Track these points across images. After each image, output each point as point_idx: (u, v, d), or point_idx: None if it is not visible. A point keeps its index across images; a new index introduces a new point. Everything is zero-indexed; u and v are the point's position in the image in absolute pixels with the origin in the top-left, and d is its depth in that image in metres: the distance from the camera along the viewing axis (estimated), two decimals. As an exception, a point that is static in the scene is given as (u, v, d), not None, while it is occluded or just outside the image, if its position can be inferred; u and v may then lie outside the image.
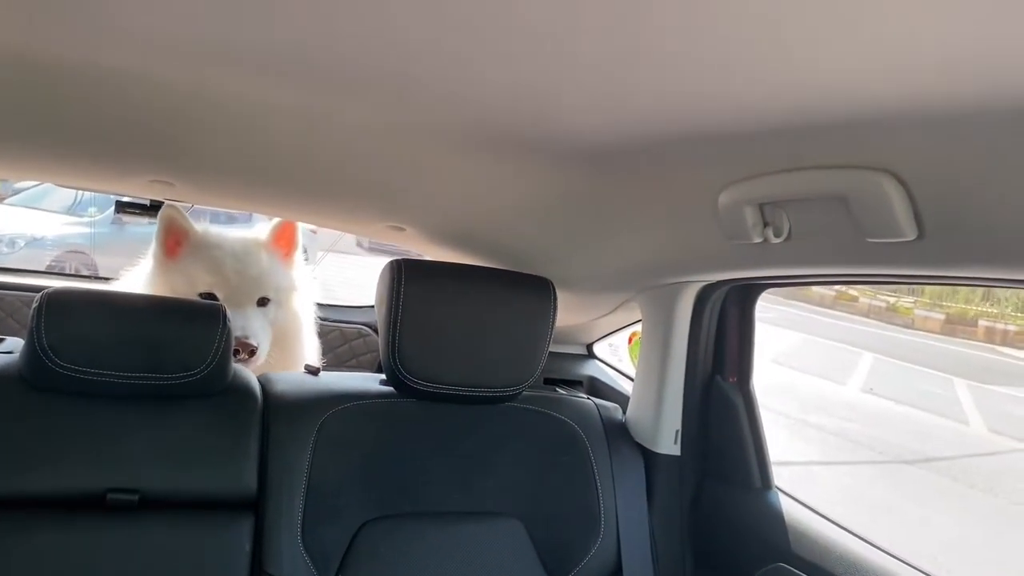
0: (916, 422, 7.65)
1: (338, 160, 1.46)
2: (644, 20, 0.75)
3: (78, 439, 1.33)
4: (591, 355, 2.16)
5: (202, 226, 1.88)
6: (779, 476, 1.64)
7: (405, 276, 1.49)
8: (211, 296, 1.80)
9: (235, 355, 1.74)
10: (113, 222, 7.68)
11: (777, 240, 1.19)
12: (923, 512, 5.37)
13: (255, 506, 1.41)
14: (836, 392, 8.47)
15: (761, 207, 1.19)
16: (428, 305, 1.51)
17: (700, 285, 1.57)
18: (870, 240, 1.05)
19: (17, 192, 9.18)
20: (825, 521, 1.51)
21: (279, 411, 1.48)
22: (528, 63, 0.90)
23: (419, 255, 2.04)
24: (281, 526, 1.40)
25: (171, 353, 1.37)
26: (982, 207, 0.94)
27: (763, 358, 9.28)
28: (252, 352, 1.75)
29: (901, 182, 0.98)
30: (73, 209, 8.87)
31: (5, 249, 8.14)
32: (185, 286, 1.81)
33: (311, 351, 2.01)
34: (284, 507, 1.41)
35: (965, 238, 0.98)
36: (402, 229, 1.77)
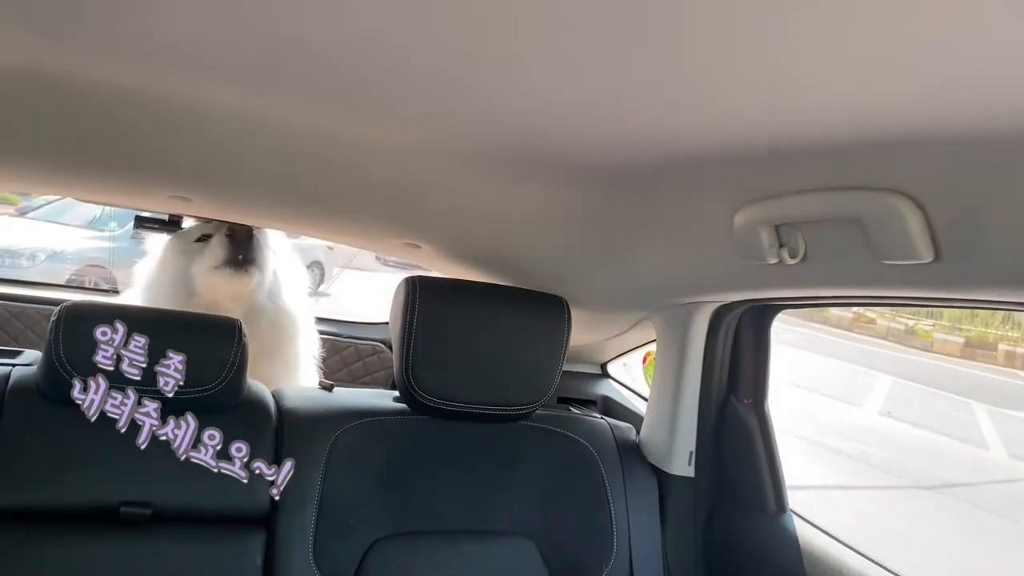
0: (935, 446, 7.56)
1: (355, 178, 1.47)
2: (659, 45, 0.76)
3: (93, 452, 1.34)
4: (605, 374, 2.16)
5: None
6: (796, 500, 1.62)
7: (419, 293, 1.49)
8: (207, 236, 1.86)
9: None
10: (132, 237, 7.73)
11: (792, 261, 1.18)
12: (941, 538, 5.30)
13: (267, 522, 1.41)
14: (854, 415, 8.39)
15: (777, 228, 1.19)
16: (442, 322, 1.51)
17: (715, 305, 1.57)
18: (886, 262, 1.05)
19: (38, 206, 9.29)
20: (841, 546, 1.49)
21: (292, 427, 1.49)
22: (544, 86, 0.91)
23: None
24: (293, 542, 1.40)
25: (186, 367, 1.37)
26: (1000, 230, 0.93)
27: (782, 380, 9.22)
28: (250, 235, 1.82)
29: (917, 204, 0.98)
30: (93, 223, 8.95)
31: (25, 263, 8.21)
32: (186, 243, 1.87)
33: (307, 351, 2.02)
34: (296, 523, 1.41)
35: (983, 261, 0.97)
36: (418, 246, 1.78)
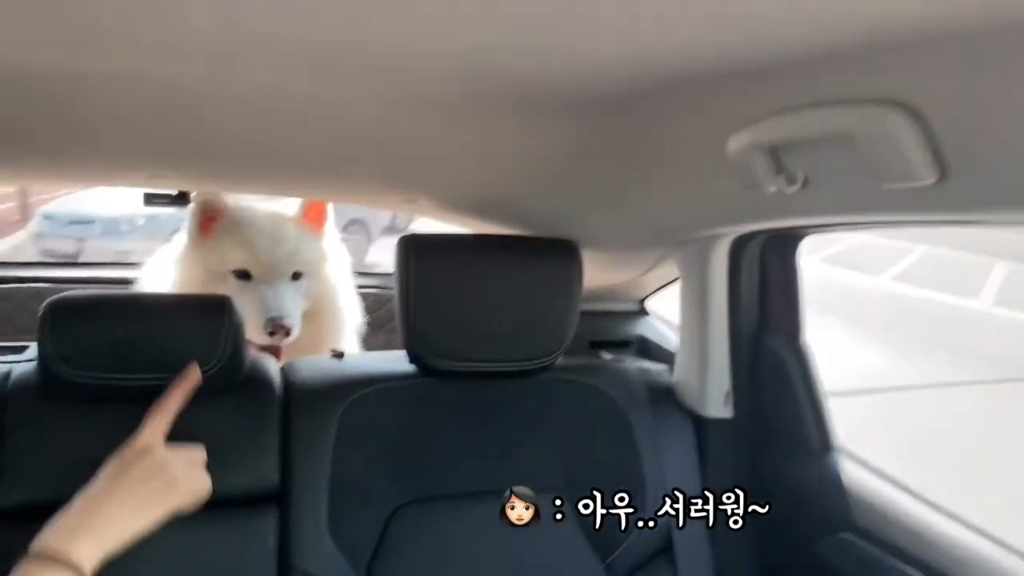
0: (1059, 335, 7.09)
1: (339, 136, 1.39)
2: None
3: (96, 445, 1.33)
4: (643, 312, 2.04)
5: (235, 201, 1.88)
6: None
7: (415, 253, 1.42)
8: (244, 273, 1.81)
9: (271, 336, 1.73)
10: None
11: (792, 189, 1.05)
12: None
13: (278, 499, 1.39)
14: (967, 307, 7.94)
15: (773, 153, 1.05)
16: (441, 280, 1.43)
17: (733, 237, 1.43)
18: (887, 186, 0.90)
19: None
20: (891, 487, 1.37)
21: (299, 400, 1.45)
22: (525, 13, 0.80)
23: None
24: (305, 518, 1.38)
25: (178, 352, 1.34)
26: (1011, 143, 0.78)
27: (884, 276, 8.78)
28: (287, 333, 1.75)
29: (916, 117, 0.83)
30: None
31: (124, 227, 8.53)
32: (218, 263, 1.82)
33: (349, 318, 2.00)
34: (308, 499, 1.39)
35: (992, 179, 0.83)
36: (415, 201, 1.70)
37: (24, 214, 10.16)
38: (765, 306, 1.49)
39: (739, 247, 1.44)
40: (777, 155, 1.06)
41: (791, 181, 1.05)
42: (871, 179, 0.92)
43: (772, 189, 1.07)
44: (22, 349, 1.47)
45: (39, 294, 2.39)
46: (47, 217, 8.57)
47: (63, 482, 1.31)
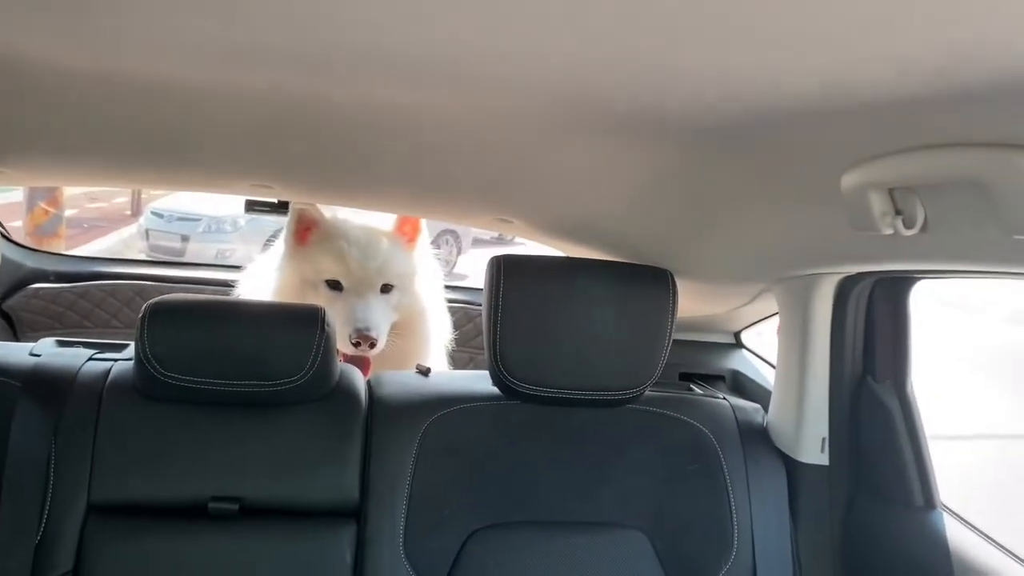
0: None
1: (439, 155, 1.39)
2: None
3: (185, 448, 1.36)
4: (739, 344, 1.97)
5: (331, 213, 1.91)
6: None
7: (505, 273, 1.40)
8: (335, 283, 1.83)
9: (356, 346, 1.74)
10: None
11: (909, 232, 0.99)
12: None
13: (357, 515, 1.39)
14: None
15: (891, 193, 1.00)
16: (532, 303, 1.41)
17: (839, 277, 1.36)
18: (1018, 237, 0.84)
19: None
20: (999, 551, 1.28)
21: (383, 415, 1.45)
22: (637, 36, 0.78)
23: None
24: (383, 536, 1.37)
25: (270, 359, 1.36)
26: None
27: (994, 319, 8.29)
28: (372, 344, 1.76)
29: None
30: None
31: (228, 228, 8.82)
32: (312, 273, 1.85)
33: (437, 332, 1.99)
34: (386, 516, 1.38)
35: None
36: (510, 221, 1.68)
37: (135, 209, 10.63)
38: (870, 351, 1.42)
39: (846, 288, 1.37)
40: (895, 196, 1.00)
41: (909, 224, 0.99)
42: (999, 229, 0.86)
43: (888, 231, 1.01)
44: (123, 347, 1.51)
45: (144, 291, 2.48)
46: (156, 213, 8.94)
47: (153, 480, 1.35)
